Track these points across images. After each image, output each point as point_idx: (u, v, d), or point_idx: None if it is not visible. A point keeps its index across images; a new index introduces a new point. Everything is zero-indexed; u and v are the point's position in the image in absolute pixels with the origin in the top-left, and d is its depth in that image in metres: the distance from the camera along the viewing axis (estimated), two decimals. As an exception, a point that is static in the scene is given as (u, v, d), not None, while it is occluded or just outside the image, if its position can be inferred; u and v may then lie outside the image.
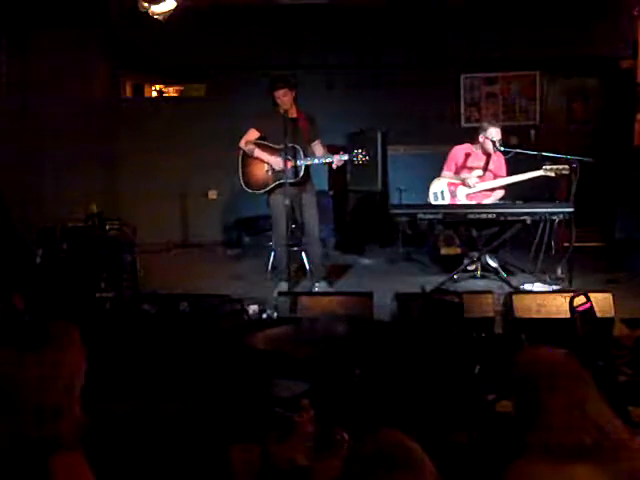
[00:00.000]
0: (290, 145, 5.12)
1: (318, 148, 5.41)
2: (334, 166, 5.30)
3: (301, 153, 5.22)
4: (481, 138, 5.68)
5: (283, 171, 5.08)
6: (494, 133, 5.62)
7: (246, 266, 6.45)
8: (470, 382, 3.13)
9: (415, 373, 3.14)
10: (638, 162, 6.42)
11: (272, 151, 5.31)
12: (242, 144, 5.40)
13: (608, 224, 6.75)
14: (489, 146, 5.63)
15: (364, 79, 7.88)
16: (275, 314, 4.46)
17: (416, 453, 1.42)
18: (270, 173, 5.31)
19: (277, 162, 5.21)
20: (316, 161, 5.30)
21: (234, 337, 3.64)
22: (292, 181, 5.17)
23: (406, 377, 3.09)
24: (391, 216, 5.66)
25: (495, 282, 5.46)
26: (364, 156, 5.19)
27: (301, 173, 5.23)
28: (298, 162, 5.20)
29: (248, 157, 5.40)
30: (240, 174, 5.42)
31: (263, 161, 5.32)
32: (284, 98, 5.19)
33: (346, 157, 5.22)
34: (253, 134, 5.41)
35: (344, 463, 1.49)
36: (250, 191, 5.42)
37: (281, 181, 5.15)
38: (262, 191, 5.36)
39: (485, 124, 5.81)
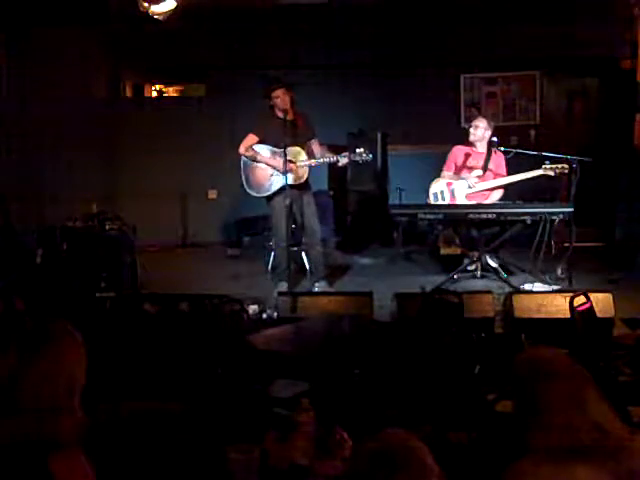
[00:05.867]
0: (292, 147, 5.13)
1: (315, 147, 5.40)
2: (340, 164, 5.31)
3: (304, 155, 5.23)
4: (471, 129, 5.73)
5: (286, 173, 5.09)
6: (481, 123, 5.69)
7: (246, 266, 6.44)
8: (470, 382, 3.13)
9: (415, 373, 3.14)
10: (638, 162, 6.41)
11: (273, 154, 5.31)
12: (242, 150, 5.39)
13: (608, 224, 6.75)
14: (475, 135, 5.67)
15: (364, 79, 7.88)
16: (275, 314, 4.46)
17: (420, 453, 1.42)
18: (274, 176, 5.31)
19: (279, 165, 5.20)
20: (321, 161, 5.31)
21: (234, 337, 3.64)
22: (294, 183, 5.18)
23: (406, 377, 3.09)
24: (391, 216, 5.66)
25: (495, 282, 5.46)
26: (367, 154, 5.21)
27: (305, 175, 5.24)
28: (302, 163, 5.20)
29: (249, 161, 5.40)
30: (243, 178, 5.42)
31: (267, 164, 5.32)
32: (283, 98, 5.18)
33: (351, 157, 5.22)
34: (252, 139, 5.39)
35: (348, 462, 1.49)
36: (254, 194, 5.43)
37: (284, 183, 5.16)
38: (266, 194, 5.36)
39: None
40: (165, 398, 2.83)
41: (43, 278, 4.97)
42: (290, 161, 5.12)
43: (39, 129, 6.90)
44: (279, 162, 5.20)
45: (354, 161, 5.27)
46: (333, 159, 5.28)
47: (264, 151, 5.37)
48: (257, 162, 5.35)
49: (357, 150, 5.23)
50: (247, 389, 2.96)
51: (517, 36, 7.41)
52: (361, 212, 7.68)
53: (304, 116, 5.40)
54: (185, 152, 7.61)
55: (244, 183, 5.42)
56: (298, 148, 5.22)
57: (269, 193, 5.33)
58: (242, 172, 5.43)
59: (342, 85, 7.82)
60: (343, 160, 5.24)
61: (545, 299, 4.19)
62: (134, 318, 4.13)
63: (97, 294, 4.91)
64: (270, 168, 5.31)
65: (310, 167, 5.27)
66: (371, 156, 5.27)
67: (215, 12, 7.27)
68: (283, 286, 5.24)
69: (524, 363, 1.80)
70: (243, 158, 5.41)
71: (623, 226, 6.42)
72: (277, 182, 5.26)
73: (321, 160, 5.31)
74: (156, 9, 5.59)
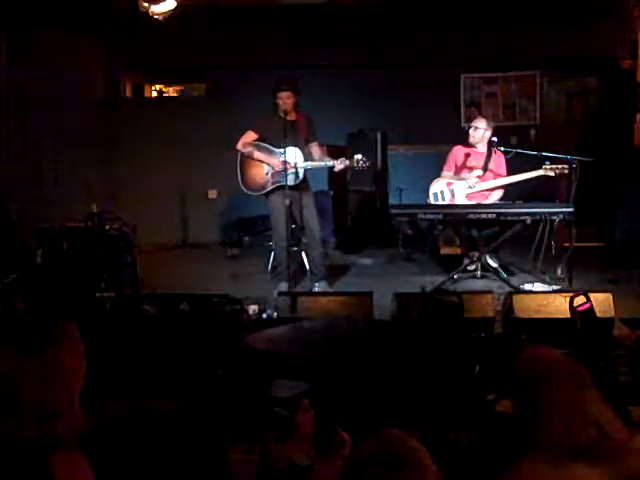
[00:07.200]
0: (290, 148, 5.13)
1: (315, 149, 5.41)
2: (336, 169, 5.33)
3: (302, 156, 5.23)
4: (470, 130, 5.75)
5: (282, 172, 5.09)
6: (480, 124, 5.71)
7: (246, 266, 6.44)
8: (470, 382, 3.13)
9: (415, 373, 3.14)
10: (638, 162, 6.41)
11: (270, 153, 5.32)
12: (239, 146, 5.39)
13: (608, 224, 6.75)
14: (475, 137, 5.68)
15: (364, 79, 7.88)
16: (275, 314, 4.46)
17: (419, 453, 1.42)
18: (269, 175, 5.31)
19: (276, 164, 5.22)
20: (316, 165, 5.31)
21: (234, 337, 3.64)
22: (292, 184, 5.18)
23: (406, 377, 3.09)
24: (391, 216, 5.66)
25: (495, 282, 5.46)
26: (364, 162, 5.21)
27: (301, 176, 5.24)
28: (299, 166, 5.21)
29: (247, 159, 5.40)
30: (239, 176, 5.42)
31: (263, 162, 5.33)
32: (287, 100, 5.19)
33: (347, 162, 5.23)
34: (250, 136, 5.40)
35: (346, 462, 1.49)
36: (249, 193, 5.43)
37: (280, 183, 5.17)
38: (261, 193, 5.37)
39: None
40: (165, 398, 2.83)
41: (43, 278, 4.96)
42: (287, 161, 5.12)
43: (39, 129, 6.90)
44: (276, 162, 5.22)
45: (351, 167, 5.29)
46: (330, 163, 5.29)
47: (262, 150, 5.37)
48: (253, 159, 5.35)
49: (355, 156, 5.23)
50: (247, 389, 2.96)
51: (517, 36, 7.40)
52: (361, 212, 7.68)
53: (307, 118, 5.40)
54: (185, 152, 7.61)
55: (240, 181, 5.42)
56: (296, 149, 5.22)
57: (263, 192, 5.34)
58: (238, 170, 5.43)
59: (342, 85, 7.82)
60: (340, 166, 5.25)
61: (545, 299, 4.20)
62: (134, 318, 4.13)
63: (97, 294, 4.91)
64: (266, 167, 5.32)
65: (306, 169, 5.28)
66: (369, 163, 5.28)
67: (215, 12, 7.27)
68: (283, 286, 5.24)
69: (524, 363, 1.80)
70: (240, 155, 5.42)
71: (623, 226, 6.42)
72: (273, 182, 5.27)
73: (317, 164, 5.31)
74: (156, 9, 5.59)
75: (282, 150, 5.10)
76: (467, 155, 5.78)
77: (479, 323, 3.96)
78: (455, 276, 5.48)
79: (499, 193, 5.72)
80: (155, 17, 5.65)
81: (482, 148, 5.75)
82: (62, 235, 5.16)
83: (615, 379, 3.21)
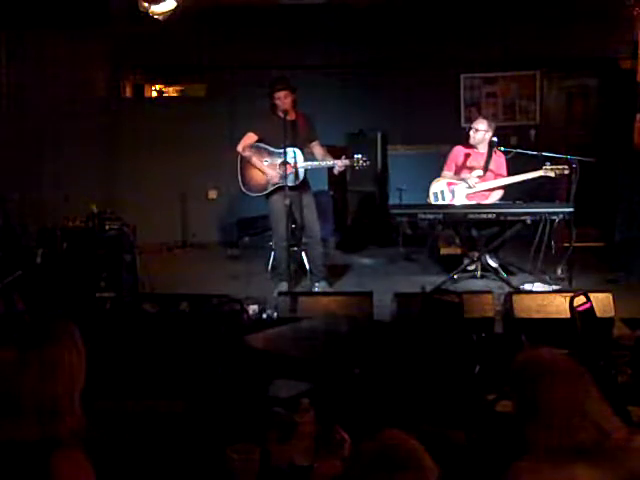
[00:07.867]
0: (290, 149, 5.14)
1: (317, 149, 5.41)
2: (335, 171, 5.34)
3: (301, 156, 5.23)
4: (471, 132, 5.74)
5: (282, 177, 5.10)
6: (481, 126, 5.69)
7: (246, 266, 6.44)
8: (470, 382, 3.13)
9: (415, 373, 3.14)
10: (638, 162, 6.41)
11: (270, 157, 5.32)
12: (240, 149, 5.39)
13: (608, 224, 6.75)
14: (475, 138, 5.68)
15: (364, 79, 7.88)
16: (275, 314, 4.46)
17: (418, 453, 1.42)
18: (269, 176, 5.32)
19: (273, 176, 5.23)
20: (317, 165, 5.32)
21: (234, 337, 3.64)
22: (292, 185, 5.19)
23: (406, 377, 3.09)
24: (391, 216, 5.67)
25: (495, 282, 5.46)
26: (365, 161, 5.23)
27: (301, 177, 5.24)
28: (298, 166, 5.21)
29: (247, 160, 5.41)
30: (239, 177, 5.43)
31: (260, 170, 5.33)
32: (285, 100, 5.18)
33: (347, 162, 5.25)
34: (251, 138, 5.39)
35: (346, 463, 1.49)
36: (249, 194, 5.43)
37: (280, 184, 5.17)
38: (261, 194, 5.37)
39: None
40: (165, 398, 2.83)
41: (43, 278, 4.96)
42: (287, 162, 5.13)
43: (39, 129, 6.90)
44: (273, 173, 5.22)
45: (351, 167, 5.30)
46: (331, 163, 5.30)
47: (263, 151, 5.37)
48: (252, 164, 5.37)
49: (355, 156, 5.24)
50: (247, 389, 2.96)
51: (517, 36, 7.41)
52: (361, 212, 7.68)
53: (306, 118, 5.40)
54: (185, 152, 7.61)
55: (240, 182, 5.42)
56: (296, 149, 5.22)
57: (265, 193, 5.35)
58: (239, 171, 5.43)
59: (342, 85, 7.82)
60: (340, 165, 5.26)
61: (545, 299, 4.20)
62: (134, 318, 4.13)
63: (97, 294, 4.91)
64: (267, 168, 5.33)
65: (306, 169, 5.29)
66: (369, 162, 5.31)
67: (215, 12, 7.27)
68: (283, 286, 5.24)
69: (524, 363, 1.80)
70: (240, 157, 5.42)
71: (623, 226, 6.42)
72: (273, 183, 5.28)
73: (317, 163, 5.32)
74: (156, 9, 5.60)
75: (281, 151, 5.11)
76: (467, 155, 5.78)
77: (479, 323, 3.96)
78: (455, 276, 5.48)
79: (499, 193, 5.72)
80: (155, 17, 5.66)
81: (482, 148, 5.75)
82: (62, 235, 5.15)
83: (615, 379, 3.21)
